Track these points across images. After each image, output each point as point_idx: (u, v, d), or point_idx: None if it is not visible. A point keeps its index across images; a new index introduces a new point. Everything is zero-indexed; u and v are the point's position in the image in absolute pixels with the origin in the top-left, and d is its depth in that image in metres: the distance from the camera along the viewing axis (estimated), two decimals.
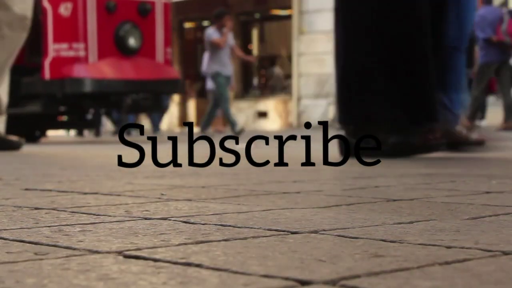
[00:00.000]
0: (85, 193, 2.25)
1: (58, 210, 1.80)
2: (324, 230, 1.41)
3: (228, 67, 13.46)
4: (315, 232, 1.40)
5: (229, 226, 1.49)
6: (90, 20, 10.29)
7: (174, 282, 0.96)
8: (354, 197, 2.07)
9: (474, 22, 11.14)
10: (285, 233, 1.39)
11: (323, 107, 13.69)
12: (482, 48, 11.25)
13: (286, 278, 0.97)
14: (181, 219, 1.61)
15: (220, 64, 13.19)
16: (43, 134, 12.01)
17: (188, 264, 1.08)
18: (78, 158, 4.84)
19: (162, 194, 2.19)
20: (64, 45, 10.26)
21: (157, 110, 13.90)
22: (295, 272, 1.01)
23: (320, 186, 2.42)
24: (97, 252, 1.20)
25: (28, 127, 11.26)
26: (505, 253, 1.15)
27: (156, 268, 1.05)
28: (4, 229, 1.47)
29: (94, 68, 10.27)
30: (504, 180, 2.58)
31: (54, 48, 10.25)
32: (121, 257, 1.15)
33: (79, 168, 3.65)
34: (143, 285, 0.94)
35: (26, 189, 2.42)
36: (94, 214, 1.71)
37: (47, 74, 10.17)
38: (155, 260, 1.11)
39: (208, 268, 1.05)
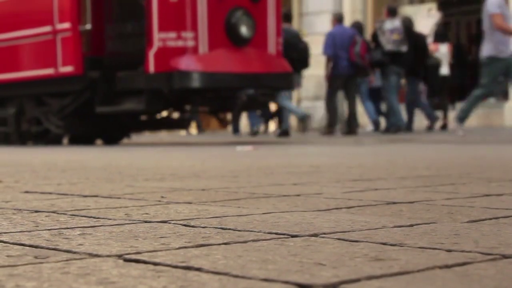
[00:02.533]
0: (85, 196, 2.25)
1: (58, 213, 1.80)
2: (324, 234, 1.41)
3: None
4: (315, 235, 1.40)
5: (229, 229, 1.49)
6: (200, 5, 8.91)
7: (174, 286, 0.96)
8: (354, 200, 2.07)
9: (325, 40, 11.61)
10: (285, 236, 1.39)
11: (322, 109, 13.69)
12: (332, 62, 11.78)
13: (286, 282, 0.97)
14: (181, 222, 1.61)
15: None
16: (126, 135, 10.80)
17: (188, 268, 1.08)
18: (78, 161, 4.84)
19: (162, 197, 2.19)
20: (172, 34, 8.90)
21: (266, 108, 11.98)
22: (295, 276, 1.01)
23: (320, 189, 2.42)
24: (97, 255, 1.20)
25: (112, 128, 10.28)
26: (505, 257, 1.15)
27: (156, 272, 1.05)
28: (4, 232, 1.47)
29: (205, 60, 8.91)
30: (504, 183, 2.58)
31: (159, 38, 8.89)
32: (121, 261, 1.14)
33: (78, 170, 3.65)
34: None
35: (26, 192, 2.42)
36: (94, 217, 1.71)
37: (151, 67, 8.79)
38: (155, 264, 1.11)
39: (208, 271, 1.05)
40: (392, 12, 12.13)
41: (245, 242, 1.32)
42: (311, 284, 0.96)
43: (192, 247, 1.27)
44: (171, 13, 8.93)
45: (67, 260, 1.15)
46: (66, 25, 9.34)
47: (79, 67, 9.20)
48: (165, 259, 1.15)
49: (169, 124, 11.16)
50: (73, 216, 1.74)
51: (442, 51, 13.38)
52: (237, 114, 14.02)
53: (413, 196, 2.16)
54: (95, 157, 5.47)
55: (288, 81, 9.67)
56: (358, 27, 12.98)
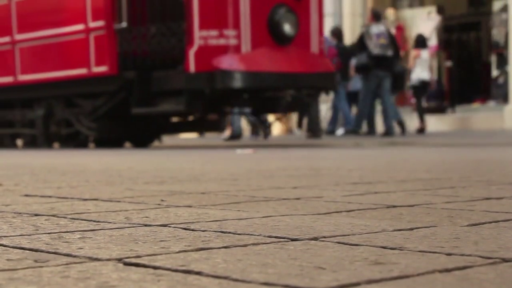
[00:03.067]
0: (85, 199, 2.25)
1: (58, 217, 1.80)
2: (324, 237, 1.41)
3: None
4: (315, 239, 1.40)
5: (229, 233, 1.49)
6: (242, 2, 8.50)
7: None
8: (354, 203, 2.07)
9: None
10: (285, 240, 1.39)
11: (323, 112, 13.70)
12: None
13: (286, 286, 0.97)
14: (181, 225, 1.61)
15: None
16: (157, 138, 10.40)
17: (188, 272, 1.08)
18: (79, 164, 4.84)
19: (162, 201, 2.19)
20: (213, 32, 8.45)
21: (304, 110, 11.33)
22: (295, 279, 1.01)
23: (320, 193, 2.42)
24: (97, 259, 1.20)
25: (142, 130, 9.85)
26: (505, 260, 1.15)
27: (156, 276, 1.05)
28: (4, 236, 1.47)
29: (248, 59, 8.48)
30: (504, 186, 2.58)
31: (200, 36, 8.42)
32: (121, 265, 1.14)
33: (78, 173, 3.65)
34: None
35: (26, 195, 2.42)
36: (94, 221, 1.71)
37: (191, 66, 8.31)
38: (155, 268, 1.11)
39: (208, 275, 1.05)
40: (377, 17, 12.23)
41: (245, 245, 1.32)
42: (311, 287, 0.96)
43: (192, 250, 1.27)
44: (213, 10, 8.54)
45: (67, 264, 1.15)
46: (100, 23, 8.94)
47: (113, 67, 8.84)
48: (165, 263, 1.15)
49: (202, 126, 10.70)
50: (73, 220, 1.74)
51: (424, 57, 13.45)
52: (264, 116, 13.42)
53: (413, 199, 2.16)
54: (95, 160, 5.47)
55: (331, 81, 9.28)
56: (337, 33, 13.19)
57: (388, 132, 12.27)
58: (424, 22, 16.52)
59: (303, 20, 8.90)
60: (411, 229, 1.52)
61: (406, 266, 1.10)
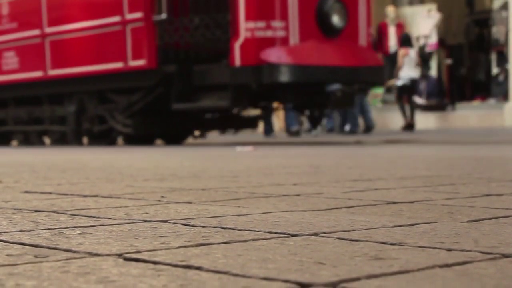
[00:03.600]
0: (85, 196, 2.25)
1: (58, 213, 1.80)
2: (324, 233, 1.41)
3: None
4: (315, 234, 1.39)
5: (229, 228, 1.49)
6: None
7: (174, 285, 0.95)
8: (354, 199, 2.07)
9: None
10: (285, 235, 1.39)
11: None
12: None
13: (286, 281, 0.97)
14: (181, 221, 1.61)
15: None
16: (191, 134, 9.88)
17: (188, 267, 1.08)
18: (78, 161, 4.84)
19: (162, 197, 2.19)
20: (260, 24, 7.95)
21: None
22: (295, 274, 1.01)
23: (320, 189, 2.41)
24: (97, 254, 1.20)
25: (176, 126, 9.32)
26: (505, 256, 1.15)
27: (156, 271, 1.05)
28: (4, 232, 1.47)
29: (297, 52, 8.01)
30: (504, 183, 2.58)
31: (247, 27, 7.93)
32: (121, 260, 1.14)
33: (78, 170, 3.65)
34: None
35: (26, 192, 2.42)
36: (94, 217, 1.71)
37: (237, 60, 7.85)
38: (155, 263, 1.11)
39: (208, 270, 1.05)
40: None
41: (245, 241, 1.32)
42: (311, 283, 0.96)
43: (192, 246, 1.27)
44: (259, 0, 8.04)
45: (67, 259, 1.15)
46: (138, 15, 8.43)
47: (152, 61, 8.36)
48: (165, 258, 1.15)
49: (239, 123, 10.09)
50: (73, 216, 1.74)
51: (411, 55, 13.50)
52: (329, 111, 12.55)
53: (413, 196, 2.16)
54: (95, 157, 5.47)
55: (380, 75, 8.81)
56: None
57: (369, 128, 12.37)
58: (424, 20, 16.51)
59: (351, 11, 8.48)
60: (411, 225, 1.52)
61: (406, 261, 1.10)
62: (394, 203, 1.97)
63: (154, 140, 9.65)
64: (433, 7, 16.80)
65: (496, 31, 16.34)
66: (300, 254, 1.17)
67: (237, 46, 7.95)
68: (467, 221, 1.58)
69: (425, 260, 1.11)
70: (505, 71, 15.96)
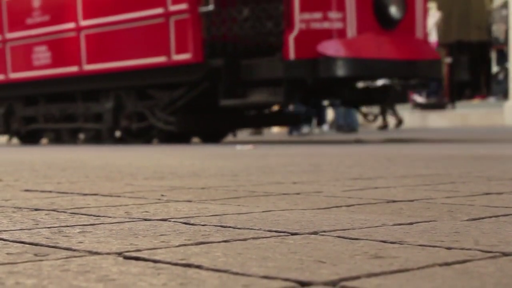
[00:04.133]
0: (85, 194, 2.25)
1: (58, 211, 1.80)
2: (324, 231, 1.41)
3: None
4: (315, 233, 1.39)
5: (229, 227, 1.49)
6: None
7: (174, 284, 0.95)
8: (354, 198, 2.07)
9: None
10: (285, 234, 1.39)
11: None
12: None
13: (286, 279, 0.97)
14: (181, 220, 1.61)
15: None
16: (231, 132, 9.54)
17: (188, 265, 1.08)
18: (79, 160, 4.84)
19: (162, 195, 2.19)
20: (316, 15, 7.50)
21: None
22: (295, 273, 1.01)
23: (320, 187, 2.42)
24: (97, 253, 1.20)
25: (215, 123, 8.87)
26: (505, 254, 1.15)
27: (156, 269, 1.05)
28: (4, 230, 1.47)
29: (355, 44, 7.60)
30: (504, 181, 2.58)
31: (301, 19, 7.48)
32: (121, 258, 1.14)
33: (78, 169, 3.65)
34: (143, 286, 0.94)
35: (26, 190, 2.42)
36: (94, 215, 1.71)
37: (291, 53, 7.43)
38: (155, 261, 1.11)
39: (208, 269, 1.05)
40: None
41: (245, 240, 1.32)
42: (311, 281, 0.96)
43: (192, 244, 1.27)
44: None
45: (67, 258, 1.15)
46: (183, 6, 7.98)
47: (198, 54, 7.91)
48: (165, 257, 1.15)
49: (281, 120, 9.72)
50: (73, 214, 1.74)
51: None
52: (387, 107, 12.08)
53: (413, 194, 2.16)
54: (95, 156, 5.46)
55: (438, 69, 8.27)
56: None
57: (353, 127, 12.35)
58: None
59: (409, 1, 8.04)
60: (411, 223, 1.52)
61: (406, 260, 1.10)
62: (394, 201, 1.97)
63: (191, 138, 9.22)
64: (433, 5, 16.80)
65: (496, 30, 16.33)
66: (300, 253, 1.17)
67: (291, 39, 7.51)
68: (467, 220, 1.58)
69: (425, 259, 1.11)
70: (505, 70, 15.95)
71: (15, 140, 10.96)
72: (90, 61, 9.02)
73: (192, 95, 8.22)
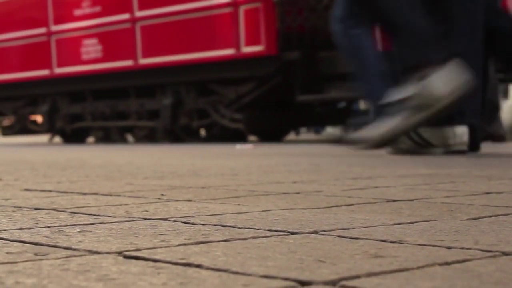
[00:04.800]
0: (85, 194, 2.25)
1: (57, 211, 1.80)
2: (324, 231, 1.41)
3: None
4: (315, 232, 1.40)
5: (229, 226, 1.49)
6: None
7: (174, 283, 0.96)
8: (354, 197, 2.07)
9: None
10: (285, 233, 1.39)
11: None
12: None
13: (286, 279, 0.97)
14: (181, 219, 1.61)
15: None
16: (294, 130, 9.13)
17: (188, 265, 1.08)
18: (80, 159, 4.83)
19: (162, 195, 2.19)
20: None
21: None
22: (295, 272, 1.01)
23: (319, 187, 2.42)
24: (96, 252, 1.20)
25: (277, 121, 8.31)
26: (505, 254, 1.15)
27: (156, 269, 1.05)
28: (4, 230, 1.47)
29: None
30: (504, 181, 2.58)
31: None
32: (121, 258, 1.14)
33: (78, 168, 3.65)
34: (142, 286, 0.94)
35: (26, 190, 2.42)
36: (93, 215, 1.71)
37: (378, 45, 6.43)
38: (155, 261, 1.11)
39: (208, 268, 1.05)
40: None
41: (245, 239, 1.32)
42: (311, 280, 0.96)
43: (192, 244, 1.27)
44: None
45: (67, 257, 1.15)
46: None
47: (271, 46, 7.42)
48: (165, 256, 1.15)
49: (349, 118, 8.99)
50: (73, 214, 1.74)
51: None
52: None
53: (413, 194, 2.16)
54: (95, 155, 5.46)
55: None
56: None
57: None
58: None
59: None
60: (411, 222, 1.52)
61: (405, 259, 1.10)
62: (394, 201, 1.97)
63: (247, 136, 8.68)
64: None
65: None
66: (300, 252, 1.17)
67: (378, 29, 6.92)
68: (467, 219, 1.58)
69: (424, 258, 1.11)
70: None
71: (57, 139, 10.43)
72: (146, 54, 8.47)
73: (261, 90, 7.71)
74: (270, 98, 7.92)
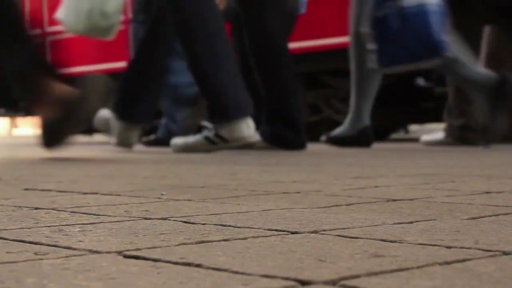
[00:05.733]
0: (85, 193, 2.25)
1: (58, 210, 1.80)
2: (324, 230, 1.41)
3: None
4: (315, 232, 1.40)
5: (229, 226, 1.49)
6: None
7: (174, 282, 0.96)
8: (354, 197, 2.07)
9: None
10: (285, 233, 1.39)
11: None
12: None
13: (286, 278, 0.97)
14: (181, 219, 1.61)
15: None
16: (401, 128, 8.34)
17: (188, 264, 1.08)
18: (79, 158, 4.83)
19: (162, 194, 2.19)
20: None
21: None
22: (295, 272, 1.01)
23: (319, 186, 2.42)
24: (97, 252, 1.20)
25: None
26: (505, 253, 1.15)
27: (156, 268, 1.05)
28: (4, 229, 1.47)
29: None
30: (504, 180, 2.59)
31: None
32: (121, 257, 1.14)
33: (79, 168, 3.65)
34: (142, 285, 0.94)
35: (26, 189, 2.42)
36: (94, 214, 1.71)
37: None
38: (155, 260, 1.11)
39: (208, 268, 1.05)
40: None
41: (244, 238, 1.32)
42: (311, 280, 0.96)
43: (192, 243, 1.27)
44: None
45: (67, 257, 1.15)
46: None
47: None
48: (164, 256, 1.15)
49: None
50: (73, 213, 1.74)
51: None
52: None
53: (413, 193, 2.16)
54: (95, 154, 5.46)
55: None
56: None
57: None
58: None
59: None
60: (411, 222, 1.52)
61: (405, 258, 1.10)
62: (394, 200, 1.97)
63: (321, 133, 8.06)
64: None
65: None
66: (300, 252, 1.17)
67: None
68: (467, 219, 1.58)
69: (424, 258, 1.11)
70: None
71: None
72: None
73: (386, 82, 6.97)
74: (392, 91, 7.19)
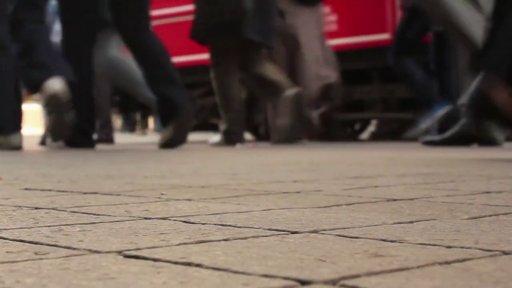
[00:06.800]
0: (85, 193, 2.25)
1: (58, 210, 1.80)
2: (324, 230, 1.41)
3: None
4: (315, 231, 1.40)
5: (229, 225, 1.49)
6: None
7: (174, 282, 0.96)
8: (354, 196, 2.07)
9: None
10: (285, 232, 1.39)
11: None
12: None
13: (286, 278, 0.97)
14: (181, 218, 1.61)
15: None
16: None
17: (188, 264, 1.08)
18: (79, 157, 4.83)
19: (162, 194, 2.19)
20: None
21: None
22: (295, 272, 1.01)
23: (320, 186, 2.42)
24: (97, 252, 1.20)
25: None
26: (505, 253, 1.15)
27: (156, 268, 1.05)
28: (4, 229, 1.47)
29: None
30: (504, 180, 2.58)
31: None
32: (121, 257, 1.14)
33: (78, 167, 3.65)
34: (143, 285, 0.94)
35: (26, 189, 2.42)
36: (94, 214, 1.71)
37: None
38: (155, 260, 1.11)
39: (208, 267, 1.05)
40: None
41: (245, 238, 1.32)
42: (311, 280, 0.96)
43: (192, 243, 1.27)
44: None
45: (67, 256, 1.15)
46: None
47: None
48: (165, 255, 1.15)
49: None
50: (73, 213, 1.74)
51: None
52: None
53: (413, 193, 2.16)
54: (95, 154, 5.46)
55: None
56: None
57: None
58: None
59: None
60: (411, 222, 1.52)
61: (406, 258, 1.10)
62: (394, 200, 1.97)
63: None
64: None
65: None
66: (300, 251, 1.17)
67: None
68: (467, 218, 1.58)
69: (424, 257, 1.11)
70: None
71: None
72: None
73: None
74: None
